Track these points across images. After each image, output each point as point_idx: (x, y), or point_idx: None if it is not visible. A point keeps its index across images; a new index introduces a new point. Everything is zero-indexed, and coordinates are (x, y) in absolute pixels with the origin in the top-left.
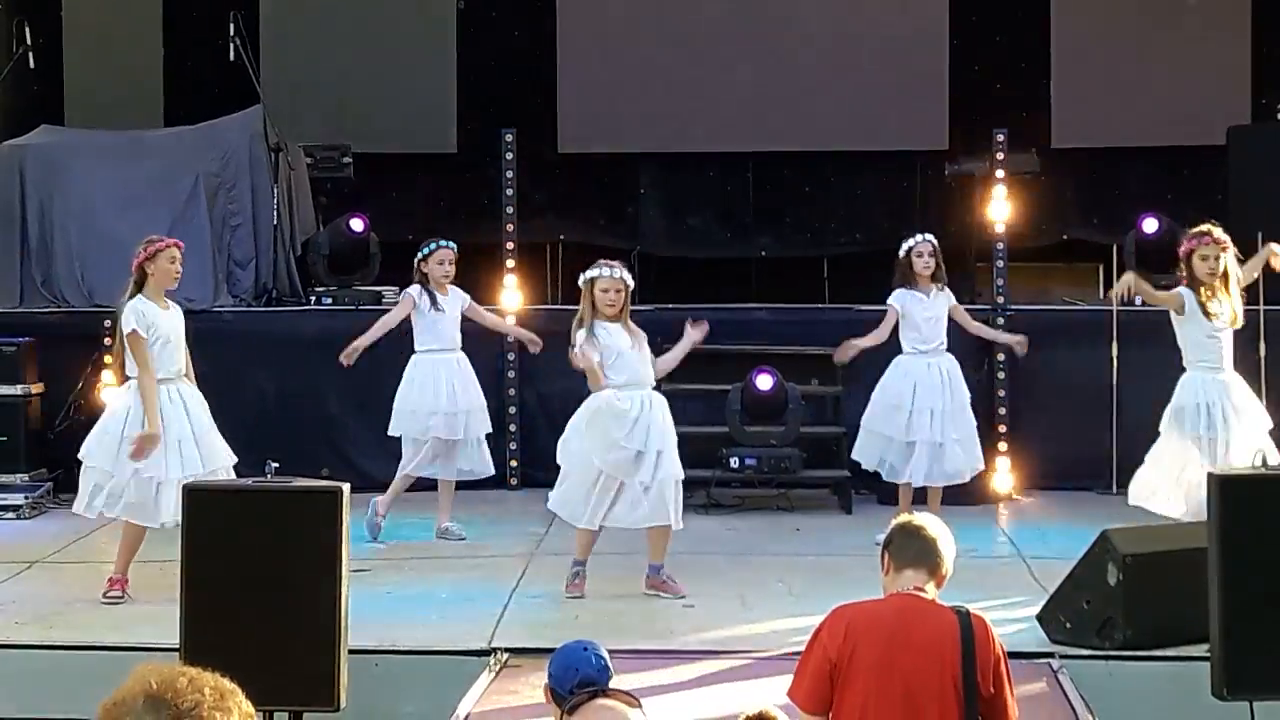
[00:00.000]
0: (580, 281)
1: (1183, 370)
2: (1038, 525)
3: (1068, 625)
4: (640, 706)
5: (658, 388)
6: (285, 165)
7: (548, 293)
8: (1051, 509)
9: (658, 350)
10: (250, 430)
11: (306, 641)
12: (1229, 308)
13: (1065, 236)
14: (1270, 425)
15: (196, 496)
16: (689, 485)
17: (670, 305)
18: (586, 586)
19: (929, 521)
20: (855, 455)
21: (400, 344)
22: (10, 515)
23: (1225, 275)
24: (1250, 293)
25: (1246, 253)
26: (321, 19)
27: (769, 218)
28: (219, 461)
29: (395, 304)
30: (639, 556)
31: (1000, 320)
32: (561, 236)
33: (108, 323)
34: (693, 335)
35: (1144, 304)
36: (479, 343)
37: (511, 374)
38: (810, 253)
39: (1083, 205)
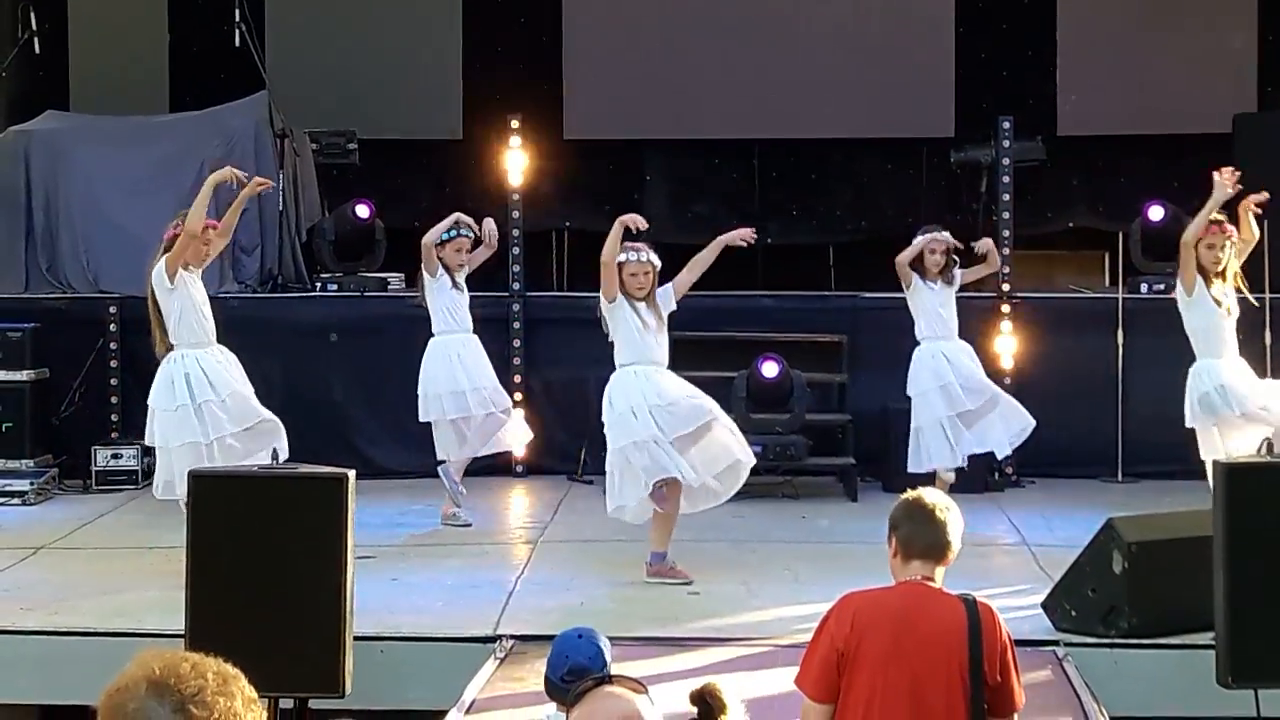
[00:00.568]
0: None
1: (1192, 359)
2: (1043, 513)
3: (1073, 613)
4: (647, 693)
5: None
6: (291, 151)
7: (553, 279)
8: (1057, 496)
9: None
10: None
11: (311, 628)
12: (1231, 298)
13: (1071, 224)
14: None
15: (203, 483)
16: None
17: None
18: (593, 572)
19: (938, 502)
20: (921, 464)
21: (406, 332)
22: (15, 501)
23: (1228, 265)
24: (1258, 281)
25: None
26: (327, 5)
27: (775, 205)
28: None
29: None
30: (644, 544)
31: (1005, 308)
32: (567, 223)
33: (113, 309)
34: (736, 236)
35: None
36: (486, 330)
37: (518, 361)
38: (816, 240)
39: (1088, 193)
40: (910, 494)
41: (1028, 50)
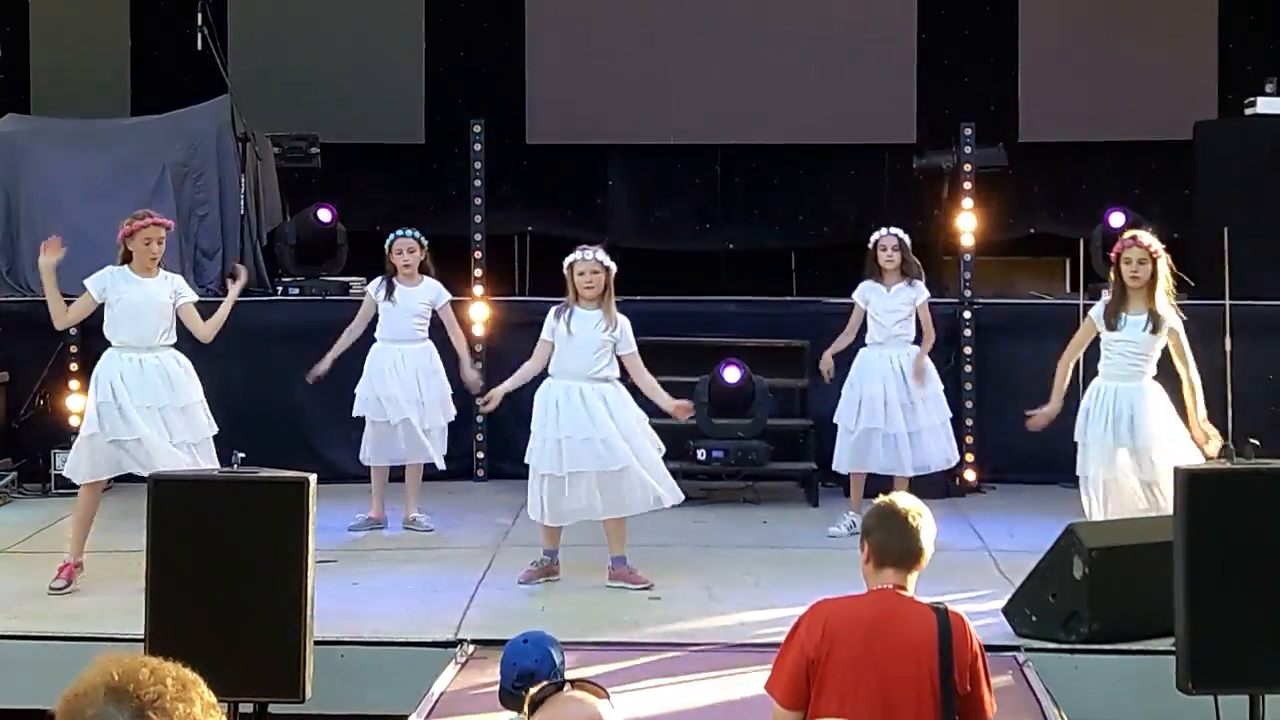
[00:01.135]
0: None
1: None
2: (1004, 518)
3: (1034, 618)
4: (608, 697)
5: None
6: (253, 155)
7: (516, 284)
8: (1017, 502)
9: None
10: (216, 421)
11: (272, 632)
12: (1144, 317)
13: (1032, 231)
14: (1172, 428)
15: (163, 487)
16: None
17: (638, 298)
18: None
19: (911, 508)
20: (836, 465)
21: (368, 336)
22: None
23: (1151, 283)
24: (1215, 289)
25: (1213, 249)
26: (289, 8)
27: (737, 210)
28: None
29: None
30: (604, 548)
31: (967, 313)
32: (530, 228)
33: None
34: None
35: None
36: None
37: (479, 365)
38: (778, 245)
39: (1050, 200)
40: (883, 499)
41: (989, 57)
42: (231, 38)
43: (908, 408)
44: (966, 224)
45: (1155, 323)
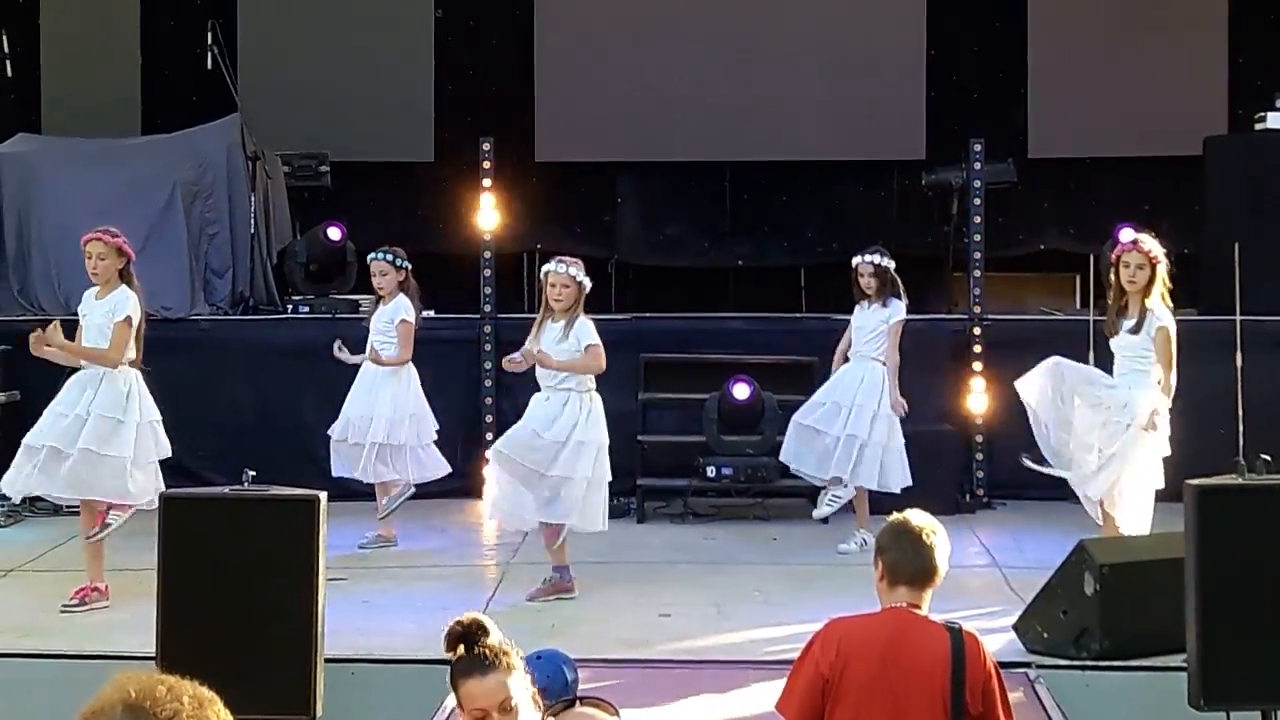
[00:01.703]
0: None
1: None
2: (1015, 535)
3: (1044, 635)
4: (618, 715)
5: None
6: (263, 174)
7: (525, 302)
8: (1028, 518)
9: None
10: (226, 438)
11: (282, 650)
12: (1135, 319)
13: (1042, 247)
14: (1161, 443)
15: (173, 504)
16: (665, 494)
17: (647, 314)
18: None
19: (925, 525)
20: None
21: None
22: None
23: (1148, 288)
24: (1226, 304)
25: (1224, 264)
26: (299, 27)
27: (746, 227)
28: (52, 441)
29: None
30: (615, 565)
31: (977, 330)
32: (539, 245)
33: None
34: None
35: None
36: (457, 353)
37: (488, 383)
38: (788, 262)
39: (1059, 216)
40: (897, 516)
41: (998, 73)
42: (241, 56)
43: (852, 413)
44: (976, 240)
45: (1141, 321)
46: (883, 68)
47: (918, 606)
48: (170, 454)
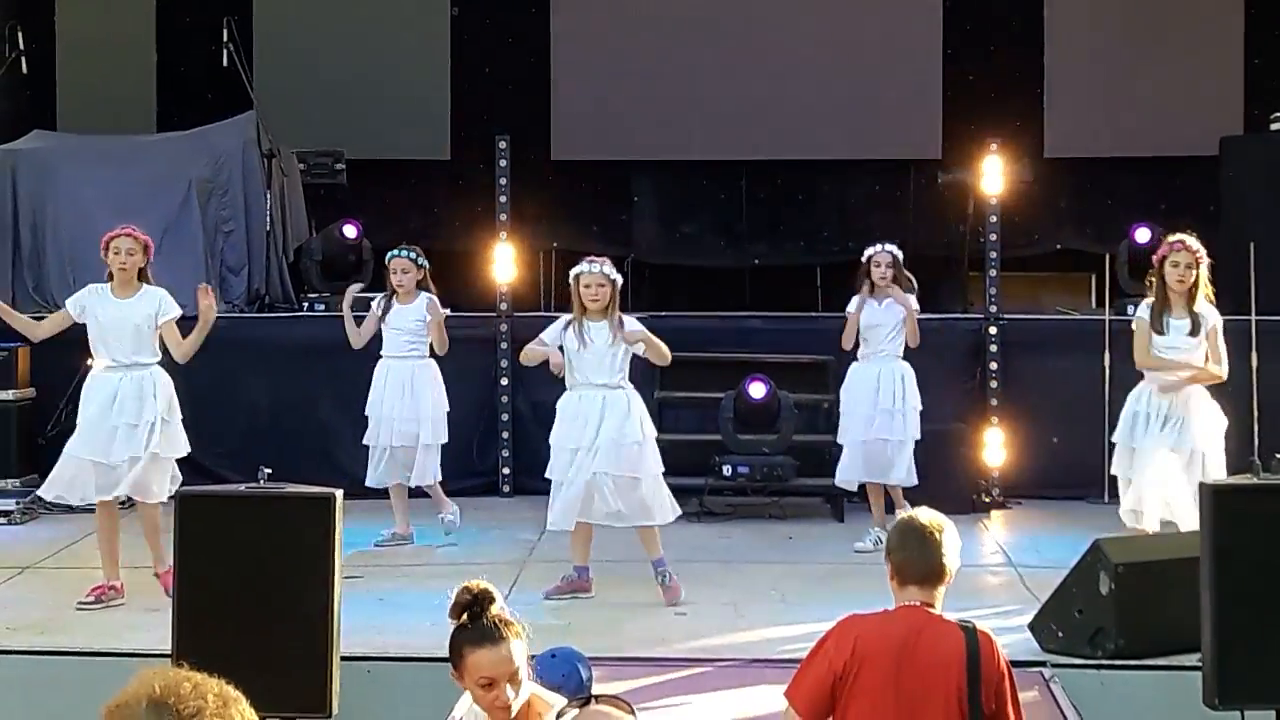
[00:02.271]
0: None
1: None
2: (1030, 534)
3: (1060, 634)
4: (634, 713)
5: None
6: (278, 171)
7: (541, 300)
8: (1044, 518)
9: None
10: (243, 436)
11: (298, 648)
12: (1189, 321)
13: (1058, 246)
14: (1222, 429)
15: (189, 502)
16: (681, 493)
17: (664, 313)
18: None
19: (932, 523)
20: (847, 480)
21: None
22: (2, 521)
23: (1194, 287)
24: (1242, 304)
25: (1240, 264)
26: (315, 25)
27: (763, 226)
28: (128, 452)
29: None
30: (633, 564)
31: (993, 329)
32: (555, 244)
33: None
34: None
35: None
36: (474, 350)
37: (505, 381)
38: (804, 261)
39: (1075, 215)
40: (904, 516)
41: (1015, 72)
42: (257, 54)
43: (885, 416)
44: (992, 240)
45: (1196, 324)
46: (899, 67)
47: (931, 605)
48: (188, 451)
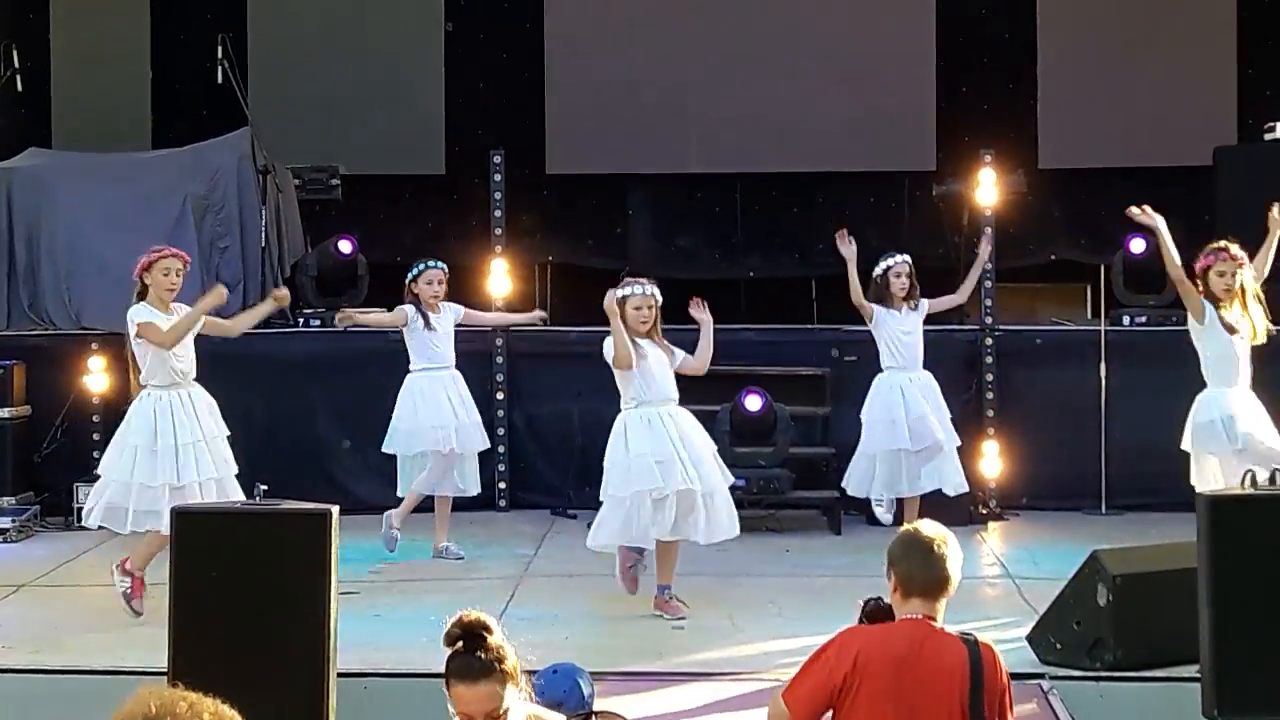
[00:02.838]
0: (611, 300)
1: (1183, 390)
2: (1027, 546)
3: (1058, 646)
4: None
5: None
6: (273, 187)
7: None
8: (1041, 529)
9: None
10: (238, 452)
11: (294, 664)
12: (1248, 323)
13: (1053, 257)
14: None
15: (185, 519)
16: None
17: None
18: (578, 606)
19: (936, 535)
20: (854, 488)
21: (389, 367)
22: None
23: (1243, 291)
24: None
25: None
26: (309, 41)
27: (758, 238)
28: (227, 469)
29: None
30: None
31: (989, 340)
32: (550, 257)
33: (95, 345)
34: (704, 317)
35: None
36: (469, 364)
37: (501, 395)
38: (798, 273)
39: (1070, 226)
40: (907, 528)
41: (1008, 84)
42: (251, 70)
43: (926, 425)
44: (987, 251)
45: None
46: (893, 79)
47: (933, 618)
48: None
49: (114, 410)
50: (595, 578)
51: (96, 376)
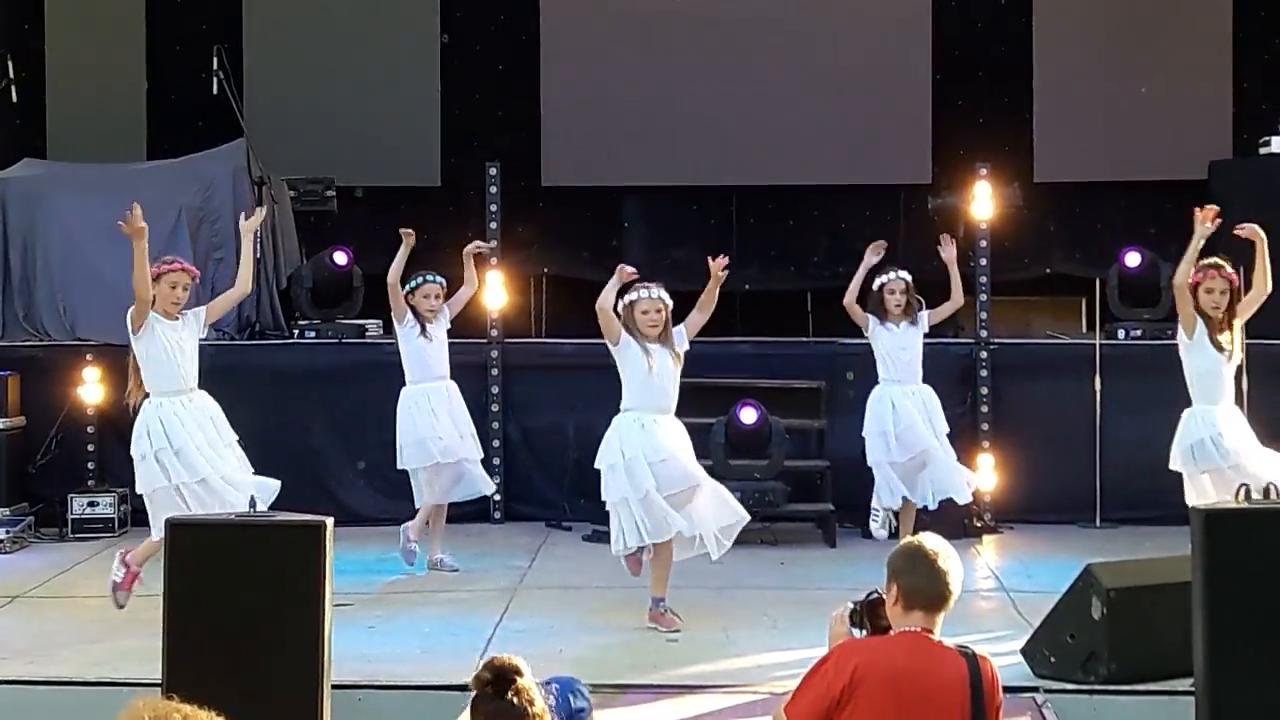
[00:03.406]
0: (618, 307)
1: (1178, 404)
2: (1021, 559)
3: (1052, 659)
4: None
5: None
6: (269, 198)
7: (531, 326)
8: (1035, 543)
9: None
10: None
11: (289, 676)
12: (1234, 345)
13: (1048, 270)
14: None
15: (178, 530)
16: None
17: None
18: (573, 619)
19: (939, 549)
20: (883, 503)
21: (384, 379)
22: None
23: (1231, 309)
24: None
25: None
26: (305, 52)
27: (753, 251)
28: (239, 472)
29: (380, 336)
30: (623, 590)
31: (983, 354)
32: (546, 270)
33: (90, 356)
34: (718, 275)
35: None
36: (463, 376)
37: (495, 408)
38: (794, 286)
39: (1065, 239)
40: (910, 540)
41: (1004, 97)
42: (247, 82)
43: (914, 434)
44: (982, 264)
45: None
46: (889, 92)
47: (931, 631)
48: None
49: (109, 421)
50: (589, 590)
51: (91, 387)
